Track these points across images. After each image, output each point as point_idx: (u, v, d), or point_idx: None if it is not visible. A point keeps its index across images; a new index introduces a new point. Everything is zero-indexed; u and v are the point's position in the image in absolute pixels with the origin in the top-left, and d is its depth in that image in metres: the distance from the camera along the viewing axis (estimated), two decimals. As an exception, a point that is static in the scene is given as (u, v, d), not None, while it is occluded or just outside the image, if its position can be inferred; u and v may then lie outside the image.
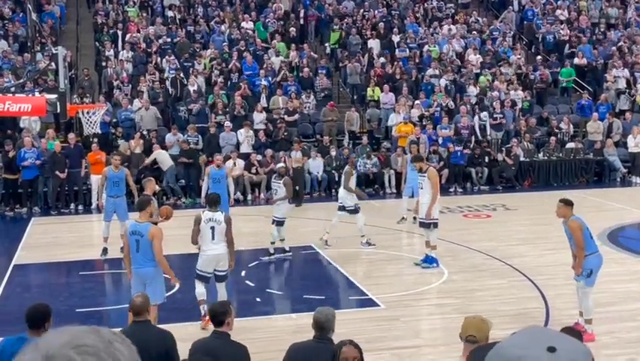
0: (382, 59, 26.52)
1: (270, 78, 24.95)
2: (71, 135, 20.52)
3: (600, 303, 11.11)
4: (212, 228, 10.44)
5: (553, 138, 23.62)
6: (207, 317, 10.03)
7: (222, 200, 15.02)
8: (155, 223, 10.44)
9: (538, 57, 28.15)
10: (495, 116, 23.94)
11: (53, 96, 13.68)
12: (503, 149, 23.18)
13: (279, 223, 14.36)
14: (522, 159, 23.04)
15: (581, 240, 9.87)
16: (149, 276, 9.75)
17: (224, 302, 6.73)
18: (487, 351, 1.37)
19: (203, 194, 15.15)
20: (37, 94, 15.21)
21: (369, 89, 25.14)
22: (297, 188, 19.73)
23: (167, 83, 24.20)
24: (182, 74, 24.33)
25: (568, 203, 10.14)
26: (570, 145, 23.76)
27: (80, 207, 19.95)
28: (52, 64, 20.08)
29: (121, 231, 14.06)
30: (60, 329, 1.25)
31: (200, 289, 10.55)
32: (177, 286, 10.46)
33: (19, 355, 1.21)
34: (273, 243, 14.51)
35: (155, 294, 9.72)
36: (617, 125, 24.60)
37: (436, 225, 13.56)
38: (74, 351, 1.18)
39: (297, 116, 23.45)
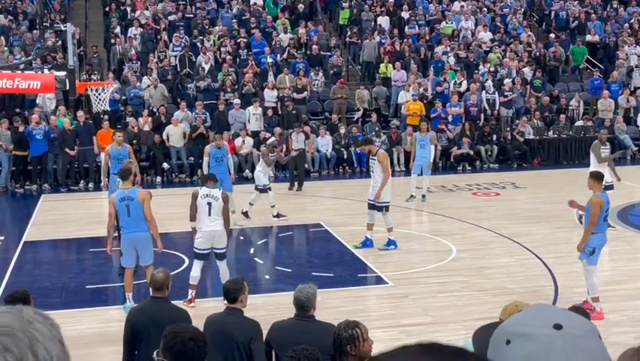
0: (387, 37, 26.36)
1: (278, 55, 24.87)
2: (80, 113, 20.53)
3: (609, 281, 11.12)
4: (209, 204, 10.48)
5: (562, 116, 23.52)
6: (192, 302, 10.28)
7: (225, 178, 15.18)
8: None
9: (551, 35, 27.91)
10: (505, 93, 23.82)
11: (62, 73, 13.70)
12: (514, 126, 23.11)
13: (264, 190, 15.48)
14: (531, 137, 22.97)
15: (595, 216, 9.86)
16: (142, 240, 10.24)
17: (239, 279, 6.70)
18: (493, 330, 1.37)
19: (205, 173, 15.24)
20: (46, 71, 15.25)
21: (382, 65, 25.01)
22: (298, 172, 19.51)
23: (176, 60, 24.17)
24: (189, 51, 24.28)
25: (594, 177, 10.17)
26: (580, 123, 23.64)
27: (91, 184, 20.01)
28: (61, 41, 20.11)
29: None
30: None
31: (195, 273, 10.55)
32: (159, 250, 10.49)
33: None
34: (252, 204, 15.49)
35: (147, 257, 10.32)
36: (632, 100, 24.53)
37: (387, 208, 13.42)
38: None
39: (305, 93, 23.39)
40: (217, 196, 10.54)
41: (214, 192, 10.56)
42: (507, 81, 24.04)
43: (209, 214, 10.48)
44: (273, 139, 16.67)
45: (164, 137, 20.86)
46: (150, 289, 6.96)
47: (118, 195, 10.25)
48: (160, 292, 6.70)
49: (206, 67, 23.43)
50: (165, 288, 6.71)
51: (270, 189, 15.62)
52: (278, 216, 15.58)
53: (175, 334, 4.68)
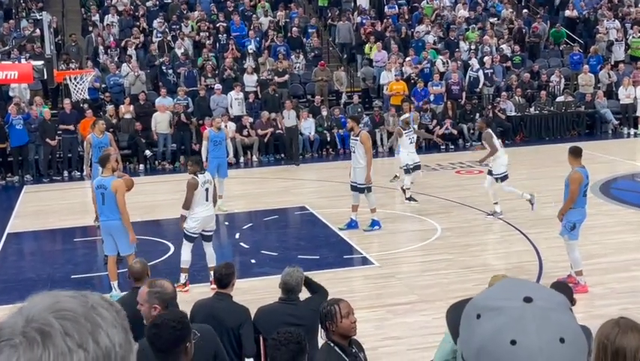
0: (368, 17, 26.28)
1: (258, 39, 24.72)
2: (67, 101, 20.19)
3: (593, 254, 11.21)
4: (207, 189, 10.56)
5: (543, 92, 23.56)
6: (187, 286, 10.39)
7: (223, 163, 15.16)
8: None
9: (524, 10, 27.93)
10: (486, 71, 23.83)
11: (40, 63, 13.59)
12: (495, 104, 23.14)
13: (408, 171, 15.17)
14: (513, 113, 23.02)
15: (575, 192, 9.93)
16: (116, 228, 10.19)
17: (229, 264, 6.67)
18: (465, 305, 1.37)
19: (204, 158, 15.11)
20: (23, 61, 15.11)
21: (367, 46, 24.90)
22: (292, 148, 19.69)
23: (154, 46, 23.96)
24: (169, 37, 24.09)
25: (573, 152, 10.19)
26: (561, 98, 23.71)
27: (75, 173, 19.82)
28: (38, 30, 19.90)
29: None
30: (47, 293, 1.24)
31: (186, 257, 10.60)
32: (131, 242, 10.39)
33: (6, 317, 1.21)
34: (409, 188, 15.26)
35: (125, 247, 10.28)
36: (612, 75, 24.62)
37: (369, 188, 13.33)
38: (53, 315, 1.18)
39: (287, 76, 23.29)
40: (211, 180, 10.75)
41: (208, 176, 10.73)
42: (487, 59, 24.05)
43: (207, 199, 10.52)
44: (406, 115, 16.29)
45: (152, 125, 20.69)
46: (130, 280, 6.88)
47: (96, 182, 10.39)
48: (141, 283, 6.62)
49: (184, 52, 23.27)
50: (145, 277, 6.59)
51: (413, 169, 15.25)
52: (410, 199, 15.20)
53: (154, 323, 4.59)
